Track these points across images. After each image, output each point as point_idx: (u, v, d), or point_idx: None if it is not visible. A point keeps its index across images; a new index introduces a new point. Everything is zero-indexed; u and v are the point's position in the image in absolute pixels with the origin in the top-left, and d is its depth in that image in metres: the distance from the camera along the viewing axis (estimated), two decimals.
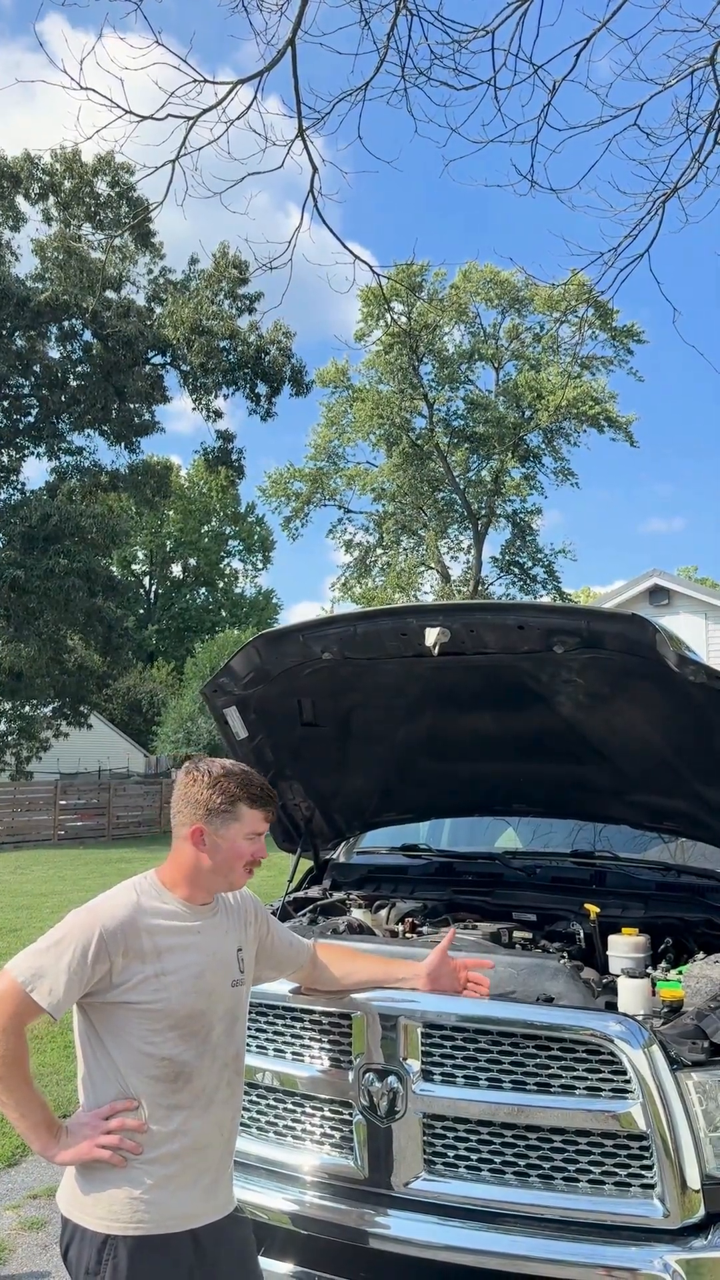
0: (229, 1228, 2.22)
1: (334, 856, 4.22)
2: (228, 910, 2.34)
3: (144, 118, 4.86)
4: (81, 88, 4.68)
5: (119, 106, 4.79)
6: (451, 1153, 2.52)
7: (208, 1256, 2.14)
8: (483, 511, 39.55)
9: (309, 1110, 2.77)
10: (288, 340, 30.14)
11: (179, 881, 2.23)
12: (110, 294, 28.55)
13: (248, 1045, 2.69)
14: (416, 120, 5.43)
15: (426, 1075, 2.54)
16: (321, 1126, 2.74)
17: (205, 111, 4.97)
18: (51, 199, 27.97)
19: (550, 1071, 2.43)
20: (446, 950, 2.60)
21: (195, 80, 4.82)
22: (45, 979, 2.04)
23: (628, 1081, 2.35)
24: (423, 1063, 2.55)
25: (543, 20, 5.05)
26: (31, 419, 29.23)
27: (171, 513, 53.94)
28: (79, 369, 28.87)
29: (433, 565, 40.70)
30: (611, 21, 5.11)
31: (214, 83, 5.04)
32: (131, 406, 29.25)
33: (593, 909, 3.21)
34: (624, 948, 2.94)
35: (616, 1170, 2.38)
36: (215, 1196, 2.20)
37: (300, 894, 3.86)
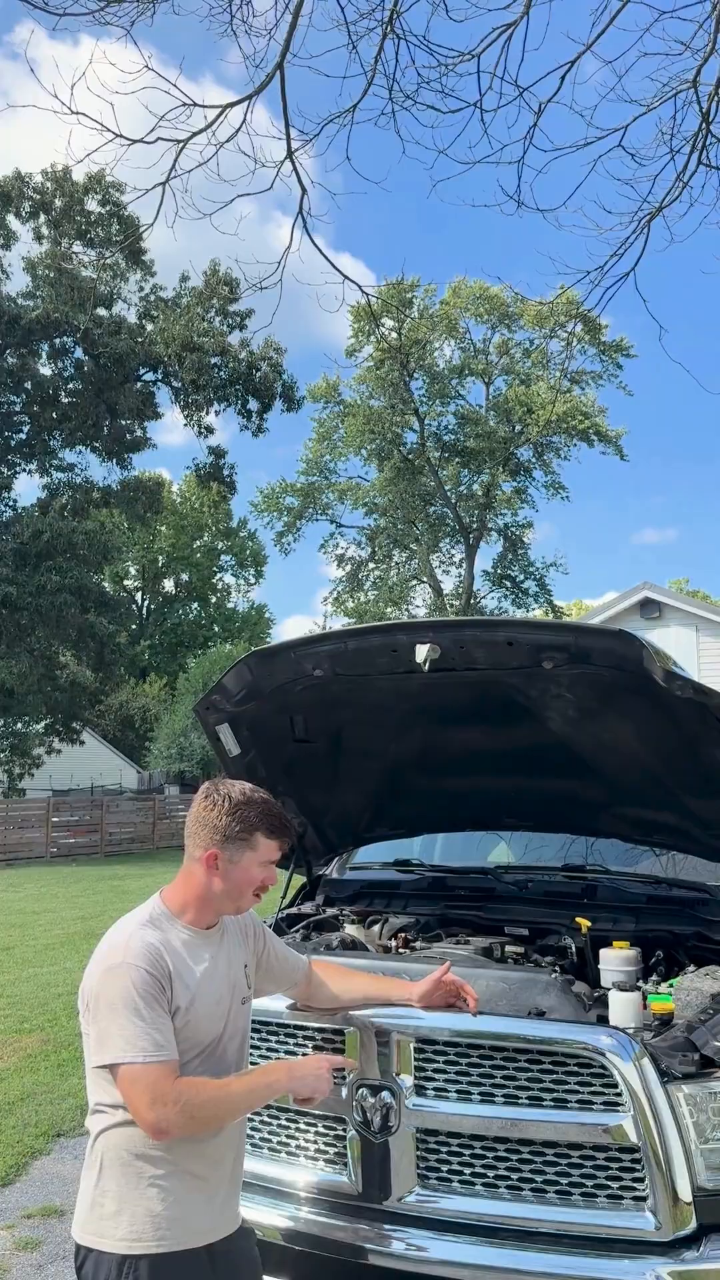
0: (239, 1241, 2.25)
1: (326, 872, 4.23)
2: (232, 927, 2.36)
3: (134, 141, 4.92)
4: (72, 112, 4.74)
5: (109, 130, 4.84)
6: (445, 1167, 2.53)
7: (220, 1270, 2.17)
8: (474, 525, 39.70)
9: (303, 1126, 2.78)
10: (278, 356, 30.29)
11: (188, 905, 2.23)
12: (101, 311, 28.66)
13: None
14: (404, 141, 5.52)
15: (419, 1090, 2.55)
16: (316, 1142, 2.75)
17: (194, 135, 5.04)
18: (42, 217, 28.13)
19: (542, 1085, 2.44)
20: (440, 977, 2.60)
21: (185, 104, 4.88)
22: (141, 1040, 2.01)
23: (619, 1094, 2.36)
24: (415, 1078, 2.56)
25: (528, 44, 5.15)
26: (23, 436, 29.32)
27: (163, 528, 54.00)
28: (70, 386, 28.97)
29: (425, 579, 40.83)
30: (596, 45, 5.20)
31: (203, 106, 5.11)
32: (123, 423, 29.35)
33: (584, 923, 3.23)
34: (615, 961, 2.95)
35: (609, 1183, 2.39)
36: (228, 1211, 2.23)
37: (293, 910, 3.86)
